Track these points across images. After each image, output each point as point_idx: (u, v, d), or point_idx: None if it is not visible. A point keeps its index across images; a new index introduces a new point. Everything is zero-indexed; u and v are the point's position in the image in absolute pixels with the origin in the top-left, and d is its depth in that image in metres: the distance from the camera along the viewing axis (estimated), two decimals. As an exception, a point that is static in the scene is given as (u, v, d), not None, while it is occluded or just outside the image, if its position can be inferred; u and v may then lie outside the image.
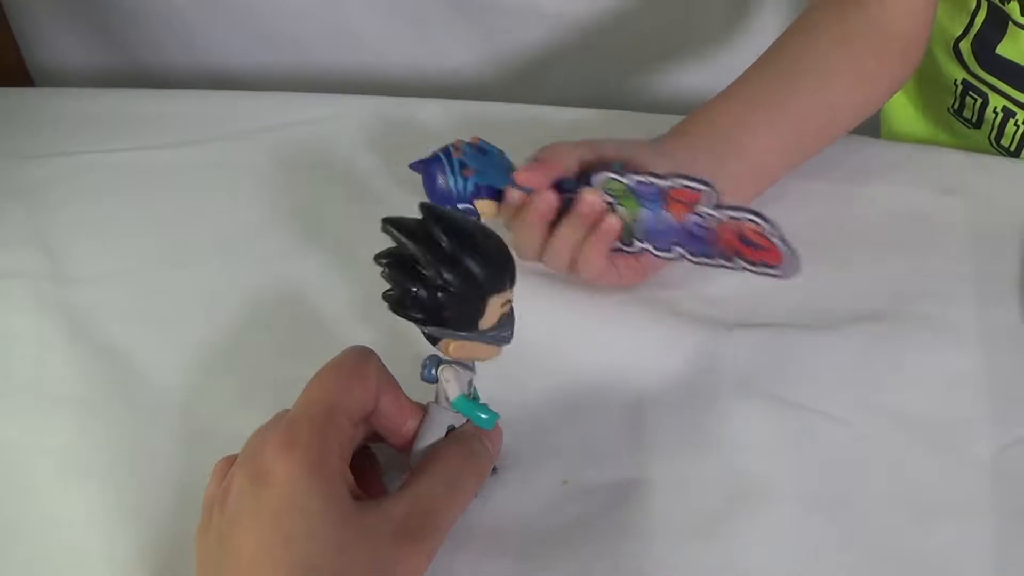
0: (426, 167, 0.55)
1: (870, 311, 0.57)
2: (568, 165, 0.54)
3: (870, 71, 0.64)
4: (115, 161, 0.70)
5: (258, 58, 1.06)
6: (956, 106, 0.74)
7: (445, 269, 0.42)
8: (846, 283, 0.58)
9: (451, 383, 0.46)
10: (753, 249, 0.52)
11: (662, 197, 0.52)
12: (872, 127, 0.85)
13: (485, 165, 0.55)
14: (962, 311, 0.57)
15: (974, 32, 0.69)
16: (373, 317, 0.57)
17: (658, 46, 1.05)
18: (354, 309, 0.58)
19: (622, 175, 0.52)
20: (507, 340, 0.46)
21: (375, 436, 0.47)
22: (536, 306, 0.57)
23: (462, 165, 0.54)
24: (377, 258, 0.44)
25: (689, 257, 0.54)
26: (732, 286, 0.58)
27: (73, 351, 0.57)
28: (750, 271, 0.53)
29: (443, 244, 0.42)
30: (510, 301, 0.45)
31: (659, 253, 0.54)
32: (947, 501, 0.48)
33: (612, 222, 0.53)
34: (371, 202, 0.66)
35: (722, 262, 0.53)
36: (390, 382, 0.45)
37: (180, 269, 0.62)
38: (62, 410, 0.54)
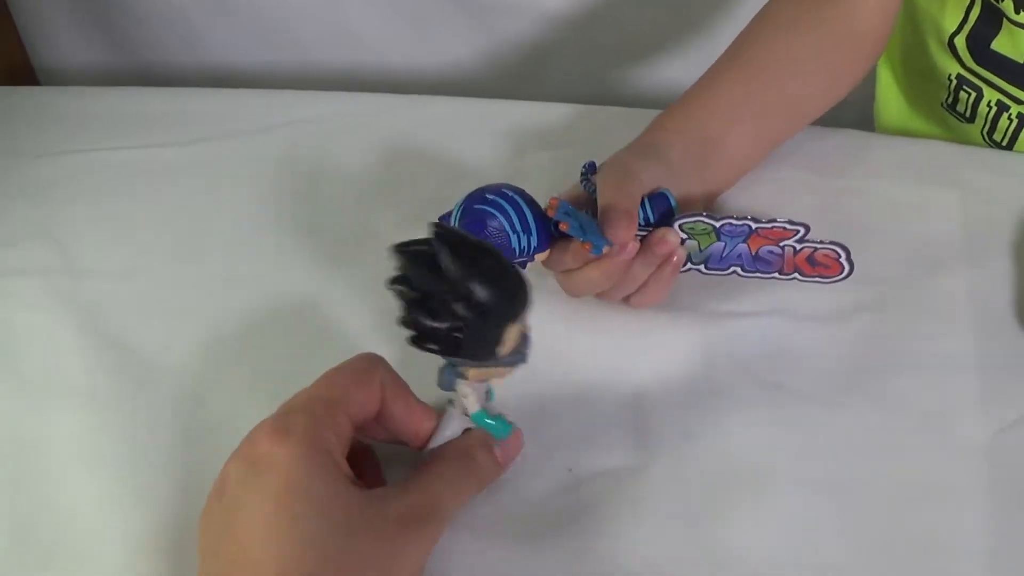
0: (483, 226, 0.51)
1: (866, 300, 0.57)
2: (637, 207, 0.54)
3: (836, 63, 0.65)
4: (121, 159, 0.71)
5: (259, 57, 1.07)
6: (949, 100, 0.75)
7: (462, 307, 0.41)
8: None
9: (469, 398, 0.46)
10: (813, 266, 0.53)
11: (748, 234, 0.53)
12: (866, 121, 0.86)
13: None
14: (956, 300, 0.57)
15: (968, 28, 0.70)
16: (379, 310, 0.58)
17: (655, 41, 1.06)
18: (359, 303, 0.59)
19: (713, 218, 0.52)
20: (524, 360, 0.45)
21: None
22: (540, 300, 0.59)
23: (533, 226, 0.52)
24: (391, 286, 0.43)
25: (742, 274, 0.55)
26: (730, 277, 0.59)
27: (84, 345, 0.58)
28: (800, 281, 0.54)
29: (454, 278, 0.41)
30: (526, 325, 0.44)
31: (709, 272, 0.55)
32: (942, 483, 0.49)
33: (681, 256, 0.53)
34: (374, 197, 0.67)
35: (776, 276, 0.54)
36: (399, 388, 0.46)
37: (187, 264, 0.63)
38: (74, 403, 0.55)
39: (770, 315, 0.57)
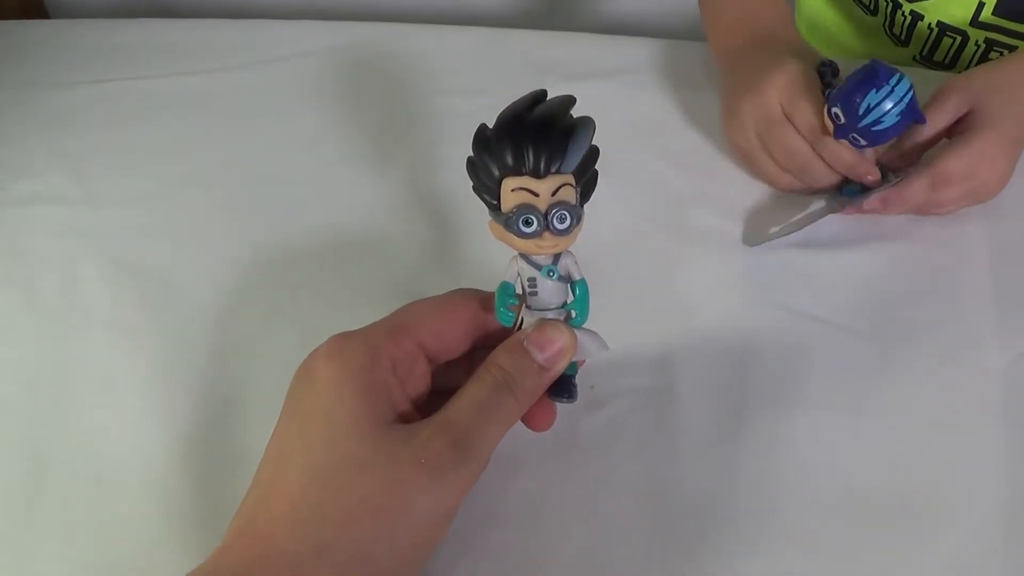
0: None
1: (884, 232, 0.58)
2: None
3: None
4: (139, 88, 0.71)
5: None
6: (886, 24, 0.74)
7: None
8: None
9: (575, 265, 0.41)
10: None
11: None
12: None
13: None
14: (973, 230, 0.58)
15: None
16: (395, 234, 0.58)
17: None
18: (376, 227, 0.59)
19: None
20: (519, 231, 0.39)
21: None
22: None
23: None
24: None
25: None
26: (750, 207, 0.59)
27: (102, 272, 0.58)
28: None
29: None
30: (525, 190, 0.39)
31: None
32: (961, 408, 0.49)
33: None
34: (394, 126, 0.67)
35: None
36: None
37: (208, 190, 0.63)
38: (92, 328, 0.55)
39: (796, 245, 0.57)
